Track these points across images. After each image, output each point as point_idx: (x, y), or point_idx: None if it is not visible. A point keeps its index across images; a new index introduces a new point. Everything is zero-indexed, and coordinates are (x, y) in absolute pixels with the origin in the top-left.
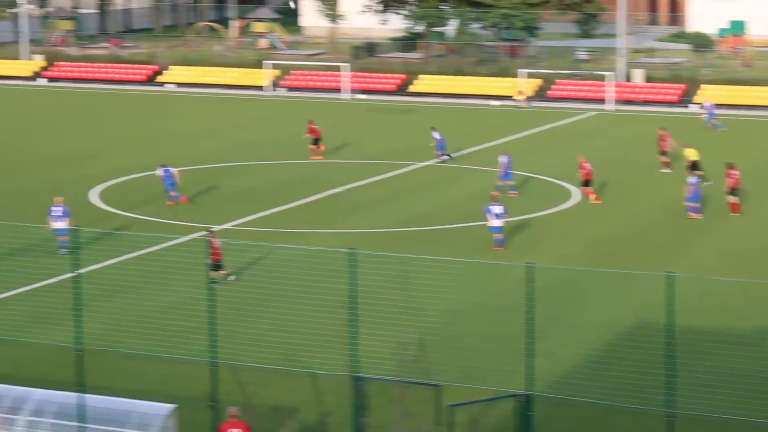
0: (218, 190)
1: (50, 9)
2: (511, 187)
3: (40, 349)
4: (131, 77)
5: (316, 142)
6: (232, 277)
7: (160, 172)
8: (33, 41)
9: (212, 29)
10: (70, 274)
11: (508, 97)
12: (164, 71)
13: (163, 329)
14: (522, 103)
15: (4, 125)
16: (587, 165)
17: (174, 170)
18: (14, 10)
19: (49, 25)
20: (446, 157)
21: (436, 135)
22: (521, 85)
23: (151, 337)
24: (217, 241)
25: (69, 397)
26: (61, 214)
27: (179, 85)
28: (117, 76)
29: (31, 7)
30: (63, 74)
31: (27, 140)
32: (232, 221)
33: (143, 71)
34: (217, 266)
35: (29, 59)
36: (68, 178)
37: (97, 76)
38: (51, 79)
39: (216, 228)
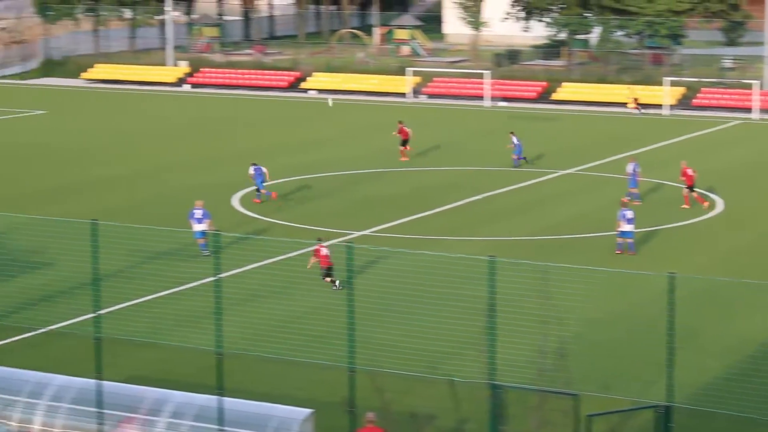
0: (358, 196)
1: (195, 16)
2: (635, 195)
3: (181, 352)
4: (274, 83)
5: (404, 143)
6: (337, 285)
7: (251, 170)
8: (178, 48)
9: (355, 36)
10: (211, 278)
11: (655, 105)
12: (307, 78)
13: (302, 334)
14: (635, 111)
15: (149, 131)
16: (690, 171)
17: (264, 169)
18: (160, 18)
19: (194, 32)
20: (522, 160)
21: (515, 139)
22: (633, 92)
23: (289, 342)
24: (324, 250)
25: (208, 400)
26: (201, 217)
27: (321, 91)
28: (260, 83)
29: (177, 14)
30: (207, 80)
31: (171, 145)
32: (372, 227)
33: (286, 78)
34: (327, 273)
35: (174, 66)
36: (211, 183)
37: (240, 82)
38: (195, 85)
39: (326, 241)
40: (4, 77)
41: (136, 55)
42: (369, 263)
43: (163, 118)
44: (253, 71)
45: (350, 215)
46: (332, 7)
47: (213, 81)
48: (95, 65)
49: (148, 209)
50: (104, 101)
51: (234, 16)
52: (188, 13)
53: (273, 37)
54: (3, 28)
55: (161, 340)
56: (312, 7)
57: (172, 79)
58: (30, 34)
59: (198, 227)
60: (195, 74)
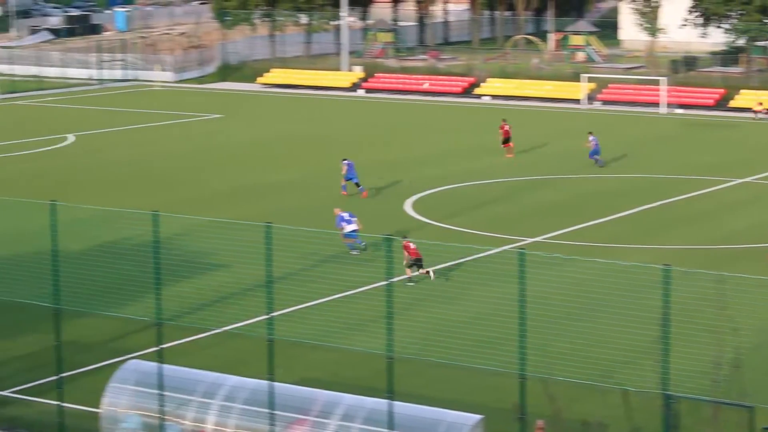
0: (530, 202)
1: (371, 21)
2: None
3: (352, 355)
4: (448, 89)
5: (506, 141)
6: (431, 275)
7: (344, 166)
8: (353, 53)
9: (529, 42)
10: (382, 282)
11: None
12: (481, 83)
13: (472, 339)
14: (761, 114)
15: (323, 135)
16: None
17: (352, 162)
18: (336, 23)
19: (369, 37)
20: (600, 164)
21: (593, 140)
22: (760, 96)
23: (459, 347)
24: (412, 244)
25: (378, 403)
26: (349, 218)
27: (494, 97)
28: (434, 88)
29: (353, 19)
30: (381, 86)
31: (344, 150)
32: (544, 234)
33: (460, 83)
34: (418, 264)
35: (349, 71)
36: (383, 187)
37: (414, 87)
38: (369, 90)
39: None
40: (182, 81)
41: (311, 60)
42: (541, 270)
43: (337, 122)
44: (426, 76)
45: (522, 221)
46: (507, 13)
47: (387, 86)
48: (271, 70)
49: (321, 213)
50: (279, 105)
51: (409, 22)
52: (363, 18)
53: (447, 43)
54: (182, 33)
55: (332, 342)
56: (486, 12)
57: (346, 84)
58: (208, 39)
59: (349, 228)
60: (369, 79)
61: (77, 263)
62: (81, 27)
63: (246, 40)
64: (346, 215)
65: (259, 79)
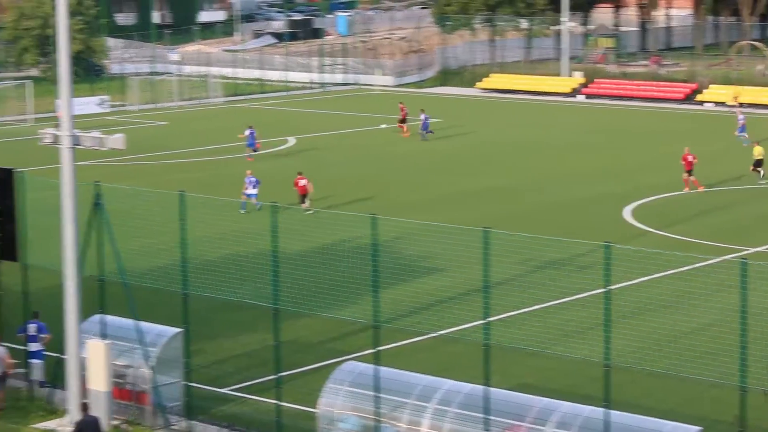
0: (756, 211)
1: (592, 27)
2: None
3: (568, 363)
4: (669, 95)
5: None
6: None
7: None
8: (573, 58)
9: (754, 48)
10: (600, 290)
11: None
12: (703, 90)
13: (691, 349)
14: None
15: (541, 140)
16: (689, 157)
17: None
18: (556, 28)
19: (590, 42)
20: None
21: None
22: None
23: (678, 357)
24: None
25: (594, 411)
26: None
27: (717, 104)
28: (654, 94)
29: (573, 24)
30: (601, 91)
31: (563, 155)
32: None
33: (681, 89)
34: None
35: (569, 76)
36: (601, 194)
37: (634, 93)
38: (589, 96)
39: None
40: (402, 85)
41: (531, 65)
42: (764, 281)
43: (556, 128)
44: (647, 82)
45: (745, 231)
46: (731, 18)
47: (607, 92)
48: (491, 75)
49: (537, 219)
50: (498, 111)
51: (630, 27)
52: (585, 23)
53: (669, 49)
54: (402, 38)
55: (548, 349)
56: (710, 18)
57: (566, 89)
58: (428, 43)
59: (251, 190)
60: (589, 85)
61: (296, 264)
62: (303, 31)
63: (466, 44)
64: (253, 179)
65: (478, 84)
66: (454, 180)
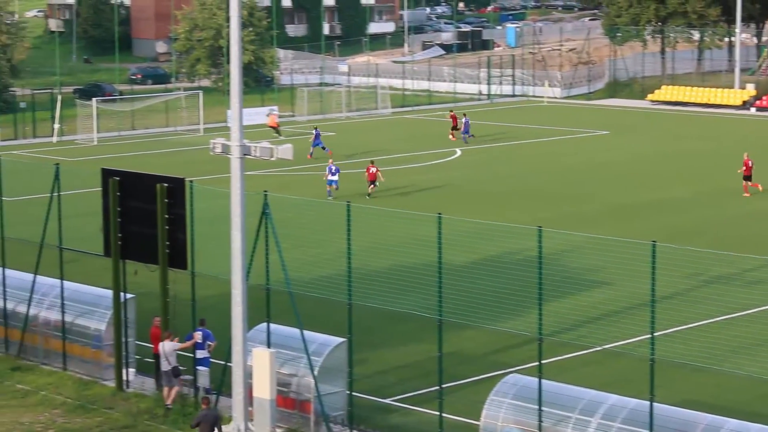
0: None
1: (765, 38)
2: None
3: (736, 379)
4: None
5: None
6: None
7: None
8: (745, 70)
9: None
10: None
11: None
12: None
13: None
14: None
15: (711, 153)
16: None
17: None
18: (729, 40)
19: (763, 54)
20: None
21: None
22: None
23: None
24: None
25: (764, 430)
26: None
27: None
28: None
29: (746, 36)
30: None
31: (734, 169)
32: None
33: None
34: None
35: (741, 88)
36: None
37: None
38: (760, 109)
39: None
40: (570, 97)
41: (702, 77)
42: None
43: (726, 141)
44: None
45: None
46: None
47: None
48: (661, 87)
49: (707, 233)
50: (668, 123)
51: None
52: (758, 35)
53: None
54: (572, 49)
55: (715, 365)
56: None
57: (737, 101)
58: (597, 55)
59: (331, 177)
60: (763, 97)
61: (461, 275)
62: (472, 42)
63: (636, 56)
64: (333, 167)
65: (649, 96)
66: (622, 192)
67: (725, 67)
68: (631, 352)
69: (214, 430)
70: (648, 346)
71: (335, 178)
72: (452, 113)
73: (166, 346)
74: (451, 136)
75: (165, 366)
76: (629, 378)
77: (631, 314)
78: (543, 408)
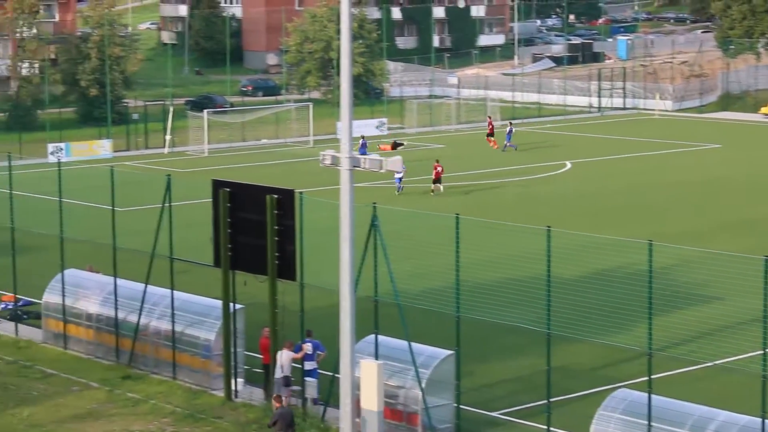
0: None
1: None
2: None
3: None
4: None
5: None
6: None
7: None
8: None
9: None
10: None
11: None
12: None
13: None
14: None
15: None
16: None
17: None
18: None
19: None
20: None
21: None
22: None
23: None
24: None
25: None
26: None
27: None
28: None
29: None
30: None
31: None
32: None
33: None
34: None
35: None
36: None
37: None
38: None
39: None
40: (682, 110)
41: None
42: None
43: None
44: None
45: None
46: None
47: None
48: None
49: None
50: None
51: None
52: None
53: None
54: (684, 62)
55: None
56: None
57: None
58: (710, 68)
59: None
60: None
61: (570, 289)
62: (582, 55)
63: (749, 68)
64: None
65: (762, 109)
66: (734, 207)
67: None
68: (743, 368)
69: (291, 427)
70: (760, 362)
71: (400, 175)
72: (490, 119)
73: (284, 355)
74: (493, 144)
75: (278, 373)
76: (740, 394)
77: (743, 330)
78: (652, 423)
